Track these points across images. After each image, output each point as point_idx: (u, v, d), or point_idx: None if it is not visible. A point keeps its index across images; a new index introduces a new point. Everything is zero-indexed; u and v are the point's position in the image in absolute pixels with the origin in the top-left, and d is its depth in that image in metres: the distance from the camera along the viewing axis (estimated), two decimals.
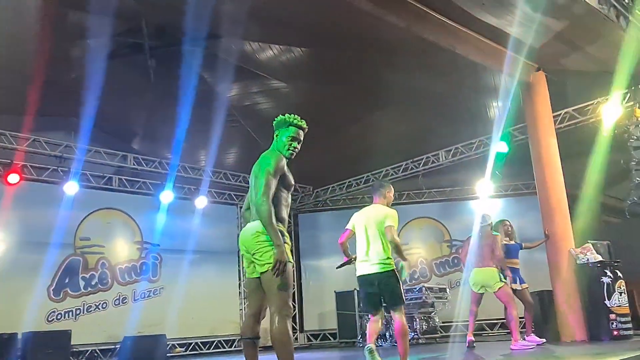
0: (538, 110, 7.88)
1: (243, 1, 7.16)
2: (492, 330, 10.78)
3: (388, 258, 4.42)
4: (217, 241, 11.28)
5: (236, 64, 8.47)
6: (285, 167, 3.41)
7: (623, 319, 6.71)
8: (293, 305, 12.04)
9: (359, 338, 10.08)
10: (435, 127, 9.93)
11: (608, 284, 6.82)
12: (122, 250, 10.02)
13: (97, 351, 9.08)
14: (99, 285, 9.52)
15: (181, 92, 8.83)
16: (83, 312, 9.20)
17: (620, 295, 6.82)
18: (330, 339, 11.58)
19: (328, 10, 6.86)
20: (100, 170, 9.74)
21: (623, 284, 6.92)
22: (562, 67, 7.87)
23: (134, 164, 9.72)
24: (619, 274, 6.95)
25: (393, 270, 4.41)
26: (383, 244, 4.42)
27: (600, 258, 7.04)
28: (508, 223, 7.14)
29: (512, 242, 7.02)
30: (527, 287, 6.83)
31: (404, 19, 6.41)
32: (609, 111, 7.78)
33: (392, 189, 4.86)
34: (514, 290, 6.63)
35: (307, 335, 12.01)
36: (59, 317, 8.91)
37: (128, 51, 8.04)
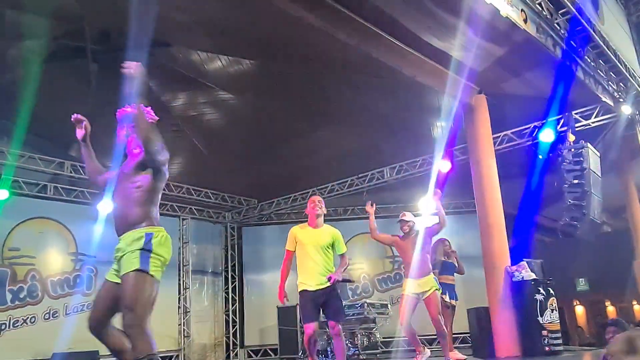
0: (479, 132, 8.15)
1: (192, 10, 7.06)
2: (431, 345, 10.94)
3: None
4: None
5: (183, 73, 8.32)
6: None
7: (554, 335, 6.97)
8: (234, 320, 11.90)
9: (299, 354, 10.00)
10: (380, 144, 10.09)
11: (541, 301, 7.07)
12: (54, 261, 9.55)
13: None
14: (28, 299, 9.00)
15: (124, 99, 8.58)
16: (9, 327, 8.67)
17: (552, 312, 7.09)
18: (271, 355, 11.43)
19: (278, 24, 6.86)
20: (34, 177, 9.28)
21: (555, 301, 7.20)
22: (502, 91, 8.20)
23: (71, 172, 9.32)
24: (551, 291, 7.23)
25: None
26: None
27: (534, 276, 7.30)
28: (447, 242, 7.51)
29: (449, 261, 7.40)
30: (454, 304, 7.20)
31: (354, 37, 6.50)
32: (545, 135, 8.17)
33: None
34: (451, 305, 7.03)
35: (247, 351, 11.81)
36: None
37: (68, 54, 7.73)
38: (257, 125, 9.57)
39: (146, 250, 2.93)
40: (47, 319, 9.14)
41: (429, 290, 5.77)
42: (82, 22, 7.25)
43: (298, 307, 10.16)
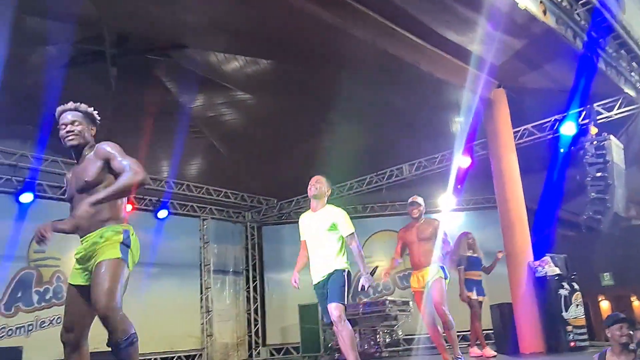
0: (499, 126, 8.06)
1: (208, 11, 7.10)
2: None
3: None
4: (178, 254, 11.06)
5: (201, 75, 8.38)
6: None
7: (579, 331, 6.88)
8: (256, 319, 11.95)
9: (321, 352, 10.02)
10: (399, 141, 10.04)
11: (565, 297, 6.99)
12: None
13: None
14: (54, 300, 9.16)
15: (144, 101, 8.68)
16: (36, 328, 8.83)
17: (577, 307, 7.00)
18: (293, 353, 11.47)
19: (293, 22, 6.87)
20: (58, 181, 9.43)
21: (579, 296, 7.10)
22: (522, 85, 8.10)
23: None
24: (576, 286, 7.13)
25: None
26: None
27: (558, 271, 7.21)
28: (471, 235, 7.26)
29: (475, 255, 7.12)
30: (482, 300, 7.00)
31: (370, 33, 6.48)
32: (566, 128, 8.05)
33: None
34: (477, 301, 6.86)
35: (269, 350, 11.86)
36: (9, 334, 8.52)
37: (88, 59, 7.84)
38: (275, 125, 9.59)
39: (125, 245, 2.95)
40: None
41: (431, 280, 5.41)
42: (101, 26, 7.34)
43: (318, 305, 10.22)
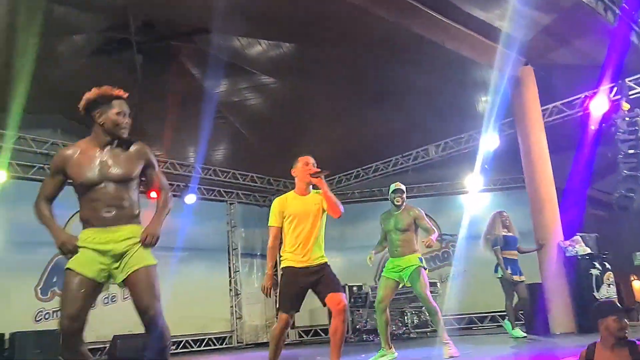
0: (526, 104, 7.92)
1: None
2: (482, 323, 10.84)
3: None
4: (206, 238, 11.22)
5: (225, 60, 8.41)
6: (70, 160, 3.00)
7: None
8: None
9: (350, 333, 10.10)
10: (424, 122, 9.94)
11: (597, 276, 6.89)
12: None
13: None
14: None
15: (169, 87, 8.76)
16: None
17: (609, 287, 6.90)
18: (321, 335, 11.58)
19: (316, 4, 6.82)
20: None
21: (611, 275, 7.00)
22: (550, 61, 7.92)
23: None
24: (607, 266, 7.02)
25: None
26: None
27: (588, 250, 7.10)
28: (505, 214, 7.04)
29: (510, 234, 6.92)
30: (522, 280, 6.77)
31: (393, 13, 6.40)
32: (596, 105, 7.84)
33: (298, 161, 4.28)
34: (514, 282, 6.63)
35: (298, 332, 12.00)
36: (47, 317, 8.81)
37: (114, 47, 7.93)
38: (299, 108, 9.59)
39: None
40: (107, 303, 9.53)
41: (410, 270, 5.34)
42: (126, 14, 7.41)
43: (347, 287, 10.28)
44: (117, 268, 2.92)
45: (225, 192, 11.72)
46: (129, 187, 2.97)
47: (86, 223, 2.98)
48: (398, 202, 5.53)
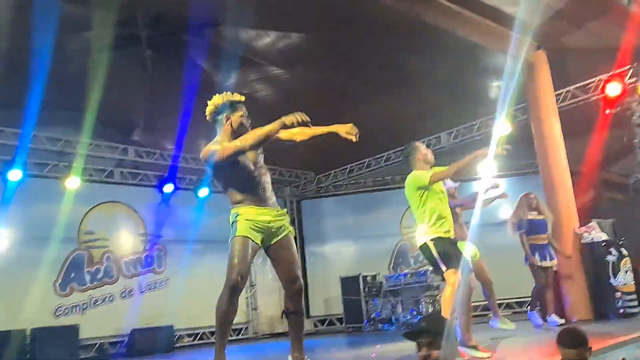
0: (540, 90, 7.81)
1: None
2: (521, 307, 10.76)
3: (422, 228, 4.33)
4: (220, 230, 11.20)
5: (233, 52, 8.39)
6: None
7: (629, 297, 6.73)
8: None
9: (365, 323, 10.13)
10: (435, 109, 9.86)
11: (613, 263, 6.82)
12: (126, 242, 10.02)
13: (106, 344, 9.13)
14: (105, 279, 9.53)
15: (180, 81, 8.76)
16: (90, 306, 9.23)
17: (626, 273, 6.83)
18: (336, 324, 11.64)
19: None
20: (102, 164, 9.71)
21: (628, 261, 6.92)
22: (563, 45, 7.80)
23: (135, 157, 9.69)
24: (624, 252, 6.94)
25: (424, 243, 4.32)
26: (414, 213, 4.43)
27: (605, 237, 7.03)
28: (533, 196, 6.70)
29: (539, 217, 6.59)
30: (552, 266, 6.53)
31: (403, 1, 6.33)
32: (612, 88, 7.72)
33: (418, 148, 4.71)
34: (542, 267, 6.41)
35: (313, 322, 12.07)
36: (66, 312, 8.94)
37: (124, 42, 7.94)
38: (309, 98, 9.53)
39: None
40: (124, 297, 9.65)
41: None
42: (134, 9, 7.42)
43: (360, 277, 10.29)
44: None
45: None
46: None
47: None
48: None
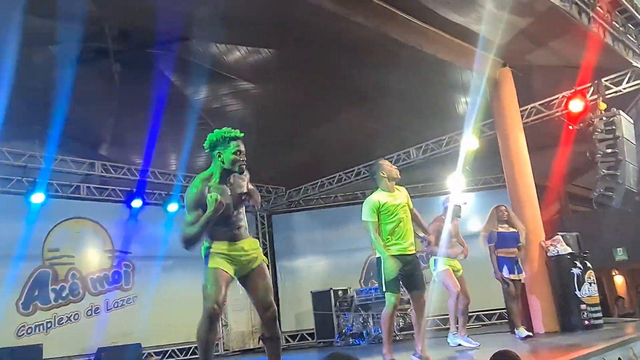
0: (505, 106, 7.98)
1: (208, 2, 7.07)
2: (490, 320, 10.89)
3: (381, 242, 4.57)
4: None
5: (204, 67, 8.36)
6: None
7: (593, 309, 6.85)
8: None
9: (336, 337, 10.10)
10: (405, 124, 9.99)
11: (578, 275, 6.94)
12: (92, 259, 9.81)
13: None
14: (70, 297, 9.29)
15: (148, 96, 8.68)
16: (54, 325, 8.97)
17: (590, 285, 6.96)
18: (308, 339, 11.57)
19: (293, 10, 6.81)
20: (67, 179, 9.50)
21: (592, 274, 7.07)
22: (528, 63, 8.00)
23: (102, 171, 9.52)
24: (588, 264, 7.09)
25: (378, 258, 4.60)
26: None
27: (570, 250, 7.17)
28: (503, 208, 6.74)
29: (510, 230, 6.62)
30: (520, 279, 6.62)
31: (371, 19, 6.41)
32: (574, 105, 7.96)
33: (382, 166, 4.98)
34: (510, 280, 6.45)
35: (285, 337, 11.96)
36: (29, 332, 8.68)
37: (92, 56, 7.84)
38: (279, 113, 9.57)
39: None
40: (90, 315, 9.42)
41: None
42: (102, 23, 7.34)
43: (331, 291, 10.25)
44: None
45: None
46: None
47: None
48: None
